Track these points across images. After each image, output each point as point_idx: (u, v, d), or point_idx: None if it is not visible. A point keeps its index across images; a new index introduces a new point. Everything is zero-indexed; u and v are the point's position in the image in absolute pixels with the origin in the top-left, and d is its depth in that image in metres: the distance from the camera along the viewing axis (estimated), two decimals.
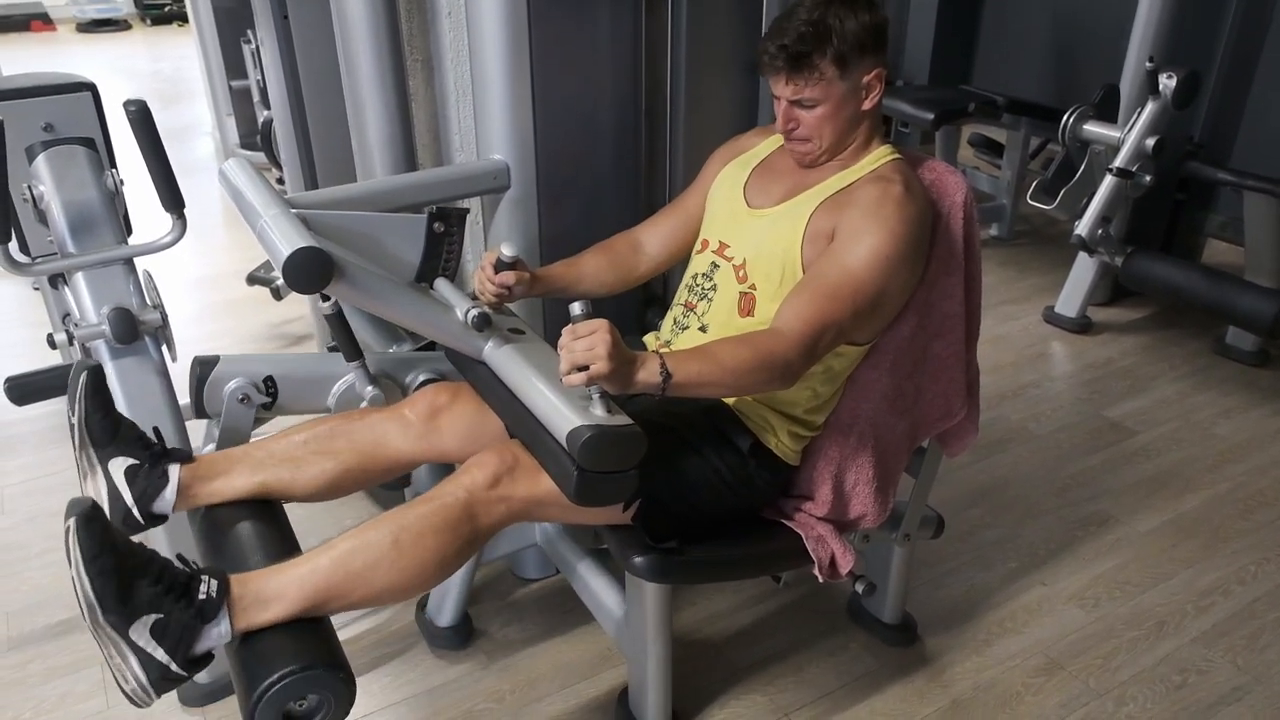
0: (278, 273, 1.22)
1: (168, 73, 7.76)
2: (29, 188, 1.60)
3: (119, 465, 1.31)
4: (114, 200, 1.65)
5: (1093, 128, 3.06)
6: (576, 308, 1.23)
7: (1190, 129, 3.35)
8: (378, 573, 1.23)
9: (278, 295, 3.30)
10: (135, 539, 1.18)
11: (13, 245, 1.53)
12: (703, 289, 1.54)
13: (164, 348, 1.72)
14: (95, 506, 1.11)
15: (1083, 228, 3.01)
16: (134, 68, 8.00)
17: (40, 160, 1.59)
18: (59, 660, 1.99)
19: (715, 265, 1.54)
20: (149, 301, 1.67)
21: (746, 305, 1.48)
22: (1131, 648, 2.04)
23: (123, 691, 1.13)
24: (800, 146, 1.46)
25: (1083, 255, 3.35)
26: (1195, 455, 2.70)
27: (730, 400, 1.51)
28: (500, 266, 1.46)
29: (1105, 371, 3.16)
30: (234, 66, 4.81)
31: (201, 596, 1.13)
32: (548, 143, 1.77)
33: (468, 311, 1.39)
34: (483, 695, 1.92)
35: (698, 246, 1.60)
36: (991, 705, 1.90)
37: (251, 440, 1.53)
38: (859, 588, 1.70)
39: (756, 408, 1.51)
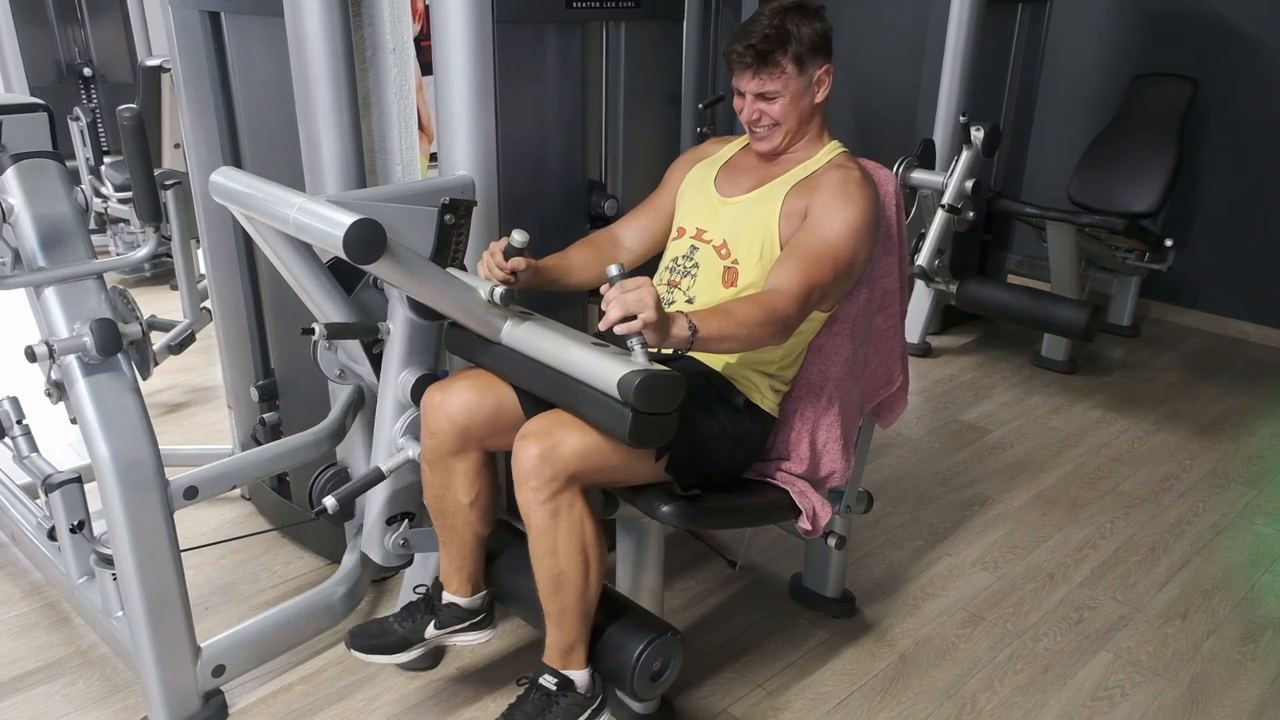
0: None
1: None
2: None
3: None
4: (83, 216, 1.62)
5: (919, 175, 3.52)
6: (614, 269, 1.37)
7: (989, 178, 3.92)
8: (588, 591, 1.53)
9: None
10: None
11: None
12: (685, 268, 1.71)
13: (134, 365, 1.68)
14: None
15: (923, 259, 3.44)
16: None
17: (10, 173, 1.55)
18: None
19: (695, 248, 1.71)
20: (122, 316, 1.64)
21: (730, 278, 1.66)
22: (1033, 596, 2.32)
23: None
24: (765, 134, 1.68)
25: (920, 288, 3.80)
26: (1041, 444, 3.11)
27: (718, 366, 1.67)
28: (510, 253, 1.56)
29: (952, 385, 3.57)
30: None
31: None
32: (508, 161, 1.90)
33: (493, 289, 1.48)
34: (468, 699, 1.92)
35: (674, 234, 1.78)
36: (933, 655, 2.10)
37: None
38: (831, 542, 1.87)
39: (741, 369, 1.68)
